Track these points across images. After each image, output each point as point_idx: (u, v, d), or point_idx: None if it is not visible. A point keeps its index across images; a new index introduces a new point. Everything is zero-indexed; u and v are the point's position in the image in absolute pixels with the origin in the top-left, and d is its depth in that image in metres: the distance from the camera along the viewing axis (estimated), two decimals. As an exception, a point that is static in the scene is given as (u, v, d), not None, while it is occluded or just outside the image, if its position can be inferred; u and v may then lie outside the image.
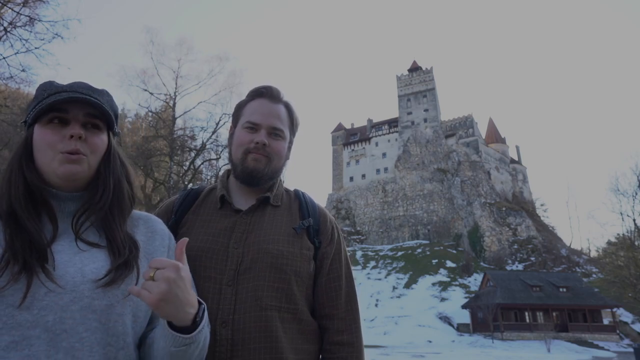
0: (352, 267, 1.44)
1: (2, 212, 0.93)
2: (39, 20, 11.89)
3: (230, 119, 1.53)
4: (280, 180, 1.47)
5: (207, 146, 25.18)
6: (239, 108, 1.43)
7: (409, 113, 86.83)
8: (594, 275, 54.58)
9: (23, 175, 0.95)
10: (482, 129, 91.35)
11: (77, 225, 0.97)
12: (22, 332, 0.81)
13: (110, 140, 1.07)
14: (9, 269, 0.83)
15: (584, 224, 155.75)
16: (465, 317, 46.80)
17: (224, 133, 25.02)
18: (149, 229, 1.11)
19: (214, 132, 24.99)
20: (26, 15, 12.02)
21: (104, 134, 1.03)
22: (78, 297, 0.86)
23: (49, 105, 0.95)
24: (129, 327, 0.93)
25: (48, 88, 1.01)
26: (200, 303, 0.94)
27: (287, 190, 1.48)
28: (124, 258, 0.95)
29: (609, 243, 43.19)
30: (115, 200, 1.02)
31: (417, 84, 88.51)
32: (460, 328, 45.83)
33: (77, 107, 0.98)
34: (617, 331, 41.63)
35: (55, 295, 0.85)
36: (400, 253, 69.34)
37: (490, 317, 40.95)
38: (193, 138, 26.62)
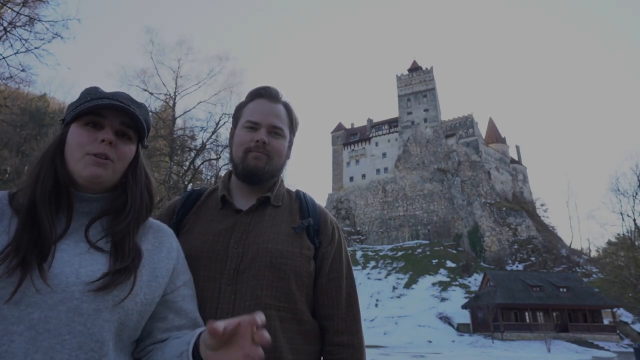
0: (352, 267, 1.44)
1: (22, 205, 0.93)
2: (39, 20, 11.90)
3: (230, 118, 1.54)
4: (281, 181, 1.48)
5: (207, 146, 25.15)
6: (239, 109, 1.45)
7: (409, 113, 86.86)
8: (594, 276, 54.61)
9: (54, 171, 0.97)
10: (482, 129, 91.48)
11: (89, 227, 0.98)
12: (5, 326, 0.80)
13: (138, 151, 1.10)
14: (6, 263, 0.83)
15: (584, 224, 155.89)
16: (465, 317, 46.80)
17: (224, 133, 25.01)
18: (157, 239, 1.11)
19: (214, 132, 24.98)
20: (26, 15, 12.04)
21: (133, 144, 1.07)
22: (67, 297, 0.85)
23: (89, 108, 0.99)
24: (112, 334, 0.91)
25: (92, 92, 1.06)
26: None
27: (288, 191, 1.48)
28: (124, 265, 0.94)
29: (609, 243, 43.26)
30: (135, 212, 1.05)
31: (417, 84, 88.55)
32: (461, 328, 45.83)
33: (114, 115, 1.02)
34: (618, 331, 41.62)
35: (45, 294, 0.84)
36: (400, 253, 69.34)
37: (491, 317, 40.93)
38: (193, 138, 26.64)
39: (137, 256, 0.99)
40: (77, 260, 0.91)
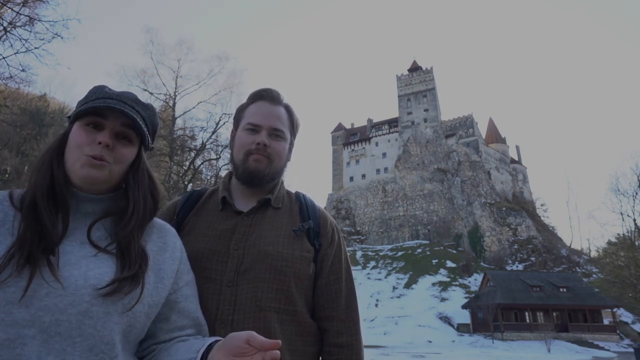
0: (352, 267, 1.45)
1: (25, 203, 0.94)
2: (39, 20, 11.91)
3: (230, 118, 1.54)
4: (282, 182, 1.48)
5: (207, 146, 25.20)
6: (240, 111, 1.45)
7: (409, 113, 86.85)
8: (594, 276, 54.58)
9: (51, 169, 0.98)
10: (482, 129, 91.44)
11: (91, 229, 0.98)
12: (17, 330, 0.81)
13: (140, 153, 1.09)
14: (14, 260, 0.84)
15: (584, 224, 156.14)
16: (465, 317, 46.80)
17: (224, 133, 25.04)
18: (162, 239, 1.11)
19: (213, 132, 25.02)
20: (26, 15, 12.04)
21: (134, 146, 1.06)
22: (77, 300, 0.86)
23: (90, 109, 0.99)
24: (121, 336, 0.92)
25: (98, 92, 1.05)
26: None
27: (288, 193, 1.49)
28: (132, 272, 0.94)
29: (609, 243, 43.14)
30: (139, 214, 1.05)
31: (417, 84, 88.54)
32: (461, 328, 45.83)
33: (116, 116, 1.02)
34: (618, 331, 41.63)
35: (55, 297, 0.85)
36: (400, 253, 69.34)
37: (491, 317, 40.93)
38: (193, 138, 26.70)
39: (144, 261, 1.00)
40: (84, 263, 0.92)
